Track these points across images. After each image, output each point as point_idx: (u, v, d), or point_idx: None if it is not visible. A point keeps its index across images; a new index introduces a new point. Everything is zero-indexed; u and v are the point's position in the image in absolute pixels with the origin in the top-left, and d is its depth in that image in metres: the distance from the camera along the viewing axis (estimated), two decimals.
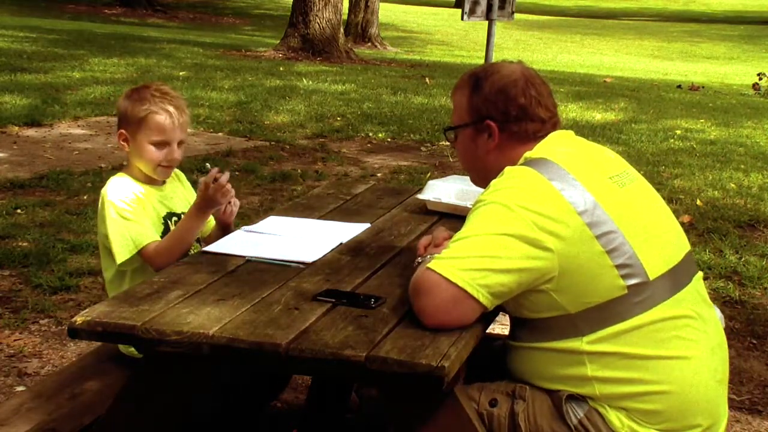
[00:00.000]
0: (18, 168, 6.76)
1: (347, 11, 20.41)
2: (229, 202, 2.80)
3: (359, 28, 21.32)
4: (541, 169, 2.17)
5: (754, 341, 4.29)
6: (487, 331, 2.25)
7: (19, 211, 5.64)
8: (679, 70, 20.29)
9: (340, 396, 3.16)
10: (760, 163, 8.27)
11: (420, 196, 3.15)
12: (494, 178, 2.22)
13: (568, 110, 10.80)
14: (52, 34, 16.20)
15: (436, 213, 3.08)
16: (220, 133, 8.48)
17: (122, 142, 2.82)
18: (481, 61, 12.46)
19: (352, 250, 2.64)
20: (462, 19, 10.79)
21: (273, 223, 2.89)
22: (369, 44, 20.88)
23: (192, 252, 2.73)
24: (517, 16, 13.57)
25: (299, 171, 7.12)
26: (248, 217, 5.30)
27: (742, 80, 17.75)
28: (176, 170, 2.93)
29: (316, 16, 15.43)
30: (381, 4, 23.18)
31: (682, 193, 6.82)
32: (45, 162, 7.00)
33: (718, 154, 8.62)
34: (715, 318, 2.32)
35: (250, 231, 2.78)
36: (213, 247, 2.60)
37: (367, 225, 2.91)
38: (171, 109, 2.78)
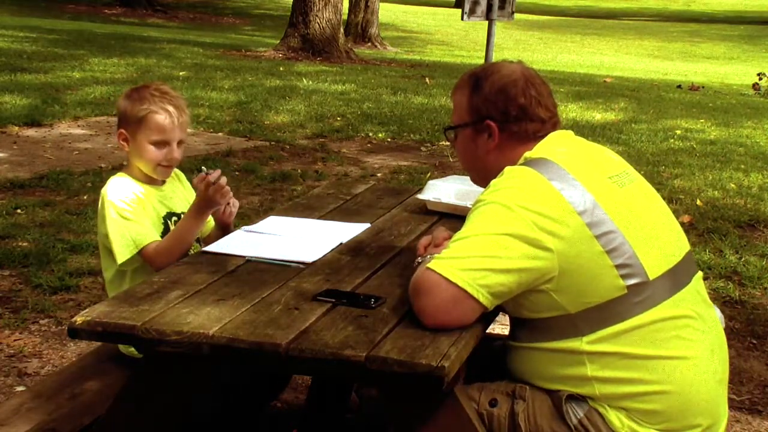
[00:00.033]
0: (18, 168, 6.76)
1: (347, 11, 20.41)
2: (228, 203, 2.80)
3: (359, 28, 21.32)
4: (541, 169, 2.17)
5: (754, 341, 4.29)
6: (487, 331, 2.25)
7: (19, 211, 5.64)
8: (679, 70, 20.29)
9: (340, 396, 3.16)
10: (760, 163, 8.27)
11: (420, 196, 3.15)
12: (494, 177, 2.22)
13: (568, 110, 10.80)
14: (52, 34, 16.20)
15: (436, 213, 3.08)
16: (220, 133, 8.48)
17: (122, 142, 2.82)
18: (481, 61, 12.46)
19: (352, 250, 2.64)
20: (462, 19, 10.80)
21: (273, 223, 2.89)
22: (369, 44, 20.88)
23: (192, 252, 2.73)
24: (517, 16, 13.58)
25: (299, 171, 7.12)
26: (248, 217, 5.30)
27: (742, 80, 17.75)
28: (176, 170, 2.93)
29: (316, 16, 15.43)
30: (381, 4, 23.19)
31: (682, 193, 6.82)
32: (45, 162, 7.00)
33: (718, 154, 8.63)
34: (715, 318, 2.32)
35: (250, 231, 2.78)
36: (213, 247, 2.60)
37: (367, 225, 2.91)
38: (171, 108, 2.78)
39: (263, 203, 6.11)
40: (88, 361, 2.82)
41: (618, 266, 2.10)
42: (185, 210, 2.79)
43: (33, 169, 6.71)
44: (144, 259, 2.68)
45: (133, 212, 2.70)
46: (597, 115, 10.73)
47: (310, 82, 11.67)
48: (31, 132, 8.05)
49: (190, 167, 6.17)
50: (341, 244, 2.67)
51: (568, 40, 27.13)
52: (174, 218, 2.83)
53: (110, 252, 2.69)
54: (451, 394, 2.04)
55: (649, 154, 8.40)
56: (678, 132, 9.79)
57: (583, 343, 2.12)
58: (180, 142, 2.82)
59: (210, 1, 31.61)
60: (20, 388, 3.42)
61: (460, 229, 2.15)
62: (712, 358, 2.23)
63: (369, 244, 2.70)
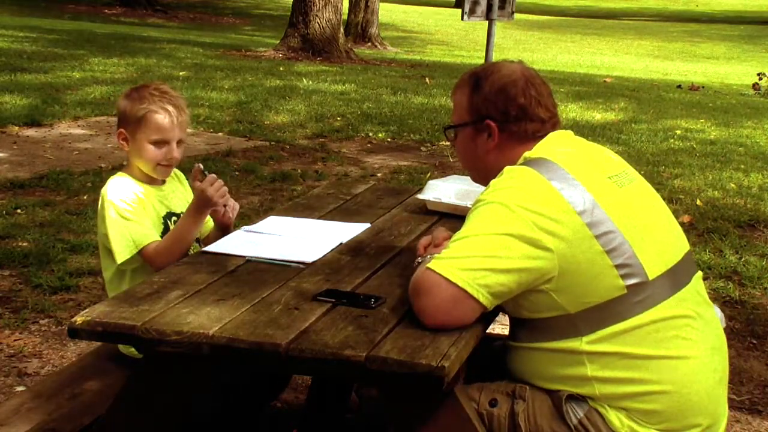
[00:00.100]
0: (18, 168, 6.76)
1: (347, 11, 20.41)
2: (226, 204, 2.80)
3: (359, 28, 21.31)
4: (541, 168, 2.17)
5: (754, 341, 4.29)
6: (487, 331, 2.25)
7: (19, 211, 5.64)
8: (679, 70, 20.29)
9: (340, 396, 3.16)
10: (760, 163, 8.27)
11: (420, 196, 3.15)
12: (494, 177, 2.22)
13: (568, 110, 10.80)
14: (52, 34, 16.20)
15: (436, 213, 3.08)
16: (220, 133, 8.48)
17: (122, 142, 2.82)
18: (481, 61, 12.46)
19: (352, 250, 2.64)
20: (462, 19, 10.79)
21: (273, 223, 2.89)
22: (369, 44, 20.87)
23: (192, 252, 2.73)
24: (517, 16, 13.57)
25: (299, 171, 7.12)
26: (248, 217, 5.30)
27: (742, 80, 17.74)
28: (176, 170, 2.93)
29: (316, 16, 15.42)
30: (381, 4, 23.18)
31: (682, 193, 6.82)
32: (45, 162, 7.00)
33: (718, 154, 8.62)
34: (715, 318, 2.32)
35: (250, 231, 2.78)
36: (213, 247, 2.60)
37: (367, 225, 2.91)
38: (170, 108, 2.78)
39: (263, 203, 6.11)
40: (88, 361, 2.82)
41: (618, 266, 2.10)
42: (185, 210, 2.79)
43: (33, 169, 6.71)
44: (144, 259, 2.68)
45: (133, 212, 2.70)
46: (597, 115, 10.73)
47: (310, 82, 11.67)
48: (31, 132, 8.05)
49: (190, 167, 6.15)
50: (341, 244, 2.67)
51: (568, 40, 27.14)
52: (174, 218, 2.83)
53: (110, 252, 2.69)
54: (451, 394, 2.04)
55: (649, 154, 8.40)
56: (678, 132, 9.79)
57: (582, 343, 2.12)
58: (180, 142, 2.82)
59: (210, 1, 31.61)
60: (20, 388, 3.42)
61: (460, 229, 2.15)
62: (712, 358, 2.23)
63: (369, 244, 2.70)
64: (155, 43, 15.85)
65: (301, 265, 2.45)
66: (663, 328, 2.13)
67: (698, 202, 6.55)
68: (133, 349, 2.57)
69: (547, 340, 2.16)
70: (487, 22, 11.12)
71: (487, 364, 2.34)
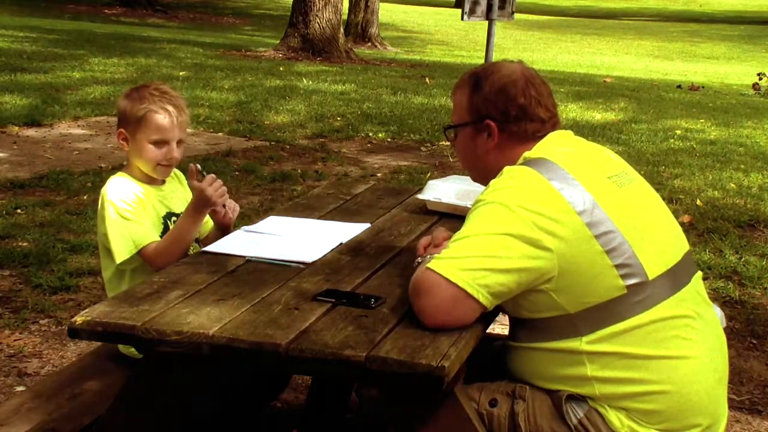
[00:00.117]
0: (18, 168, 6.76)
1: (347, 11, 20.41)
2: (224, 205, 2.80)
3: (359, 28, 21.31)
4: (541, 168, 2.17)
5: (754, 341, 4.29)
6: (487, 331, 2.25)
7: (19, 211, 5.65)
8: (679, 70, 20.29)
9: (340, 396, 3.16)
10: (760, 163, 8.27)
11: (420, 196, 3.15)
12: (494, 177, 2.22)
13: (568, 110, 10.80)
14: (52, 34, 16.20)
15: (436, 213, 3.08)
16: (220, 133, 8.48)
17: (122, 142, 2.82)
18: (481, 61, 12.46)
19: (352, 250, 2.64)
20: (462, 19, 10.78)
21: (273, 223, 2.89)
22: (369, 44, 20.87)
23: (192, 252, 2.73)
24: (517, 16, 13.57)
25: (299, 171, 7.12)
26: (248, 217, 5.30)
27: (742, 80, 17.74)
28: (175, 170, 2.93)
29: (316, 16, 15.42)
30: (381, 4, 23.18)
31: (682, 193, 6.82)
32: (45, 162, 7.00)
33: (718, 154, 8.62)
34: (715, 318, 2.32)
35: (250, 231, 2.78)
36: (213, 247, 2.60)
37: (367, 225, 2.91)
38: (170, 108, 2.78)
39: (263, 203, 6.11)
40: (88, 361, 2.82)
41: (617, 266, 2.10)
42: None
43: (33, 169, 6.71)
44: (144, 259, 2.68)
45: (133, 212, 2.70)
46: (597, 115, 10.73)
47: (310, 82, 11.67)
48: (31, 132, 8.05)
49: None
50: (341, 244, 2.67)
51: (568, 40, 27.13)
52: (174, 218, 2.83)
53: (109, 252, 2.69)
54: (451, 394, 2.04)
55: (649, 154, 8.40)
56: (678, 132, 9.79)
57: (582, 343, 2.12)
58: (180, 142, 2.82)
59: (210, 1, 31.61)
60: (20, 388, 3.42)
61: (460, 229, 2.15)
62: (712, 358, 2.23)
63: (369, 244, 2.70)
64: (155, 43, 15.85)
65: (301, 265, 2.45)
66: (663, 328, 2.13)
67: (698, 202, 6.55)
68: (133, 349, 2.57)
69: (546, 340, 2.16)
70: (487, 22, 11.12)
71: (487, 364, 2.34)
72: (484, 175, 2.34)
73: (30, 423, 2.42)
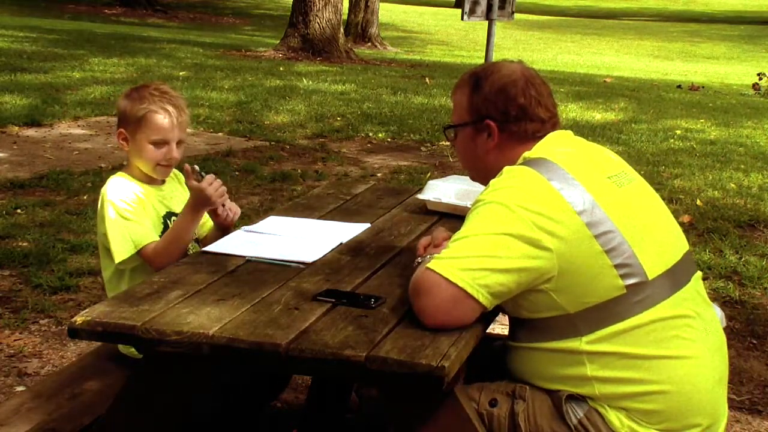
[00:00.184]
0: (18, 168, 6.76)
1: (347, 11, 20.41)
2: (223, 205, 2.80)
3: (359, 28, 21.31)
4: (540, 168, 2.17)
5: (754, 341, 4.29)
6: (487, 331, 2.25)
7: (19, 211, 5.65)
8: (679, 70, 20.29)
9: (340, 396, 3.16)
10: (760, 163, 8.27)
11: (420, 196, 3.15)
12: (494, 177, 2.22)
13: (568, 110, 10.80)
14: (52, 34, 16.20)
15: (436, 213, 3.08)
16: (220, 133, 8.48)
17: (122, 142, 2.82)
18: (481, 61, 12.45)
19: (352, 250, 2.64)
20: (462, 19, 10.79)
21: (273, 223, 2.89)
22: (369, 44, 20.87)
23: (191, 252, 2.73)
24: (517, 16, 13.57)
25: (299, 171, 7.12)
26: (248, 217, 5.29)
27: (742, 80, 17.74)
28: (175, 170, 2.93)
29: (316, 16, 15.42)
30: (381, 4, 23.18)
31: (682, 193, 6.82)
32: (45, 162, 7.00)
33: (718, 154, 8.62)
34: (714, 318, 2.32)
35: (250, 231, 2.78)
36: (213, 247, 2.60)
37: (367, 225, 2.91)
38: (170, 108, 2.78)
39: (263, 203, 6.11)
40: (88, 361, 2.82)
41: (617, 266, 2.10)
42: None
43: (33, 169, 6.71)
44: (143, 259, 2.68)
45: (132, 212, 2.70)
46: (597, 115, 10.73)
47: (310, 82, 11.67)
48: (31, 132, 8.05)
49: None
50: (341, 244, 2.67)
51: (568, 40, 27.13)
52: (173, 218, 2.83)
53: (109, 251, 2.69)
54: (451, 394, 2.04)
55: (649, 154, 8.40)
56: (678, 132, 9.79)
57: (582, 343, 2.12)
58: (179, 142, 2.82)
59: (210, 1, 31.61)
60: (20, 388, 3.42)
61: (459, 229, 2.15)
62: (712, 358, 2.23)
63: (369, 244, 2.70)
64: (155, 43, 15.85)
65: (301, 265, 2.45)
66: (662, 327, 2.13)
67: (698, 202, 6.55)
68: (133, 349, 2.57)
69: (546, 340, 2.16)
70: (487, 22, 11.12)
71: (487, 364, 2.34)
72: (483, 175, 2.34)
73: (30, 423, 2.42)
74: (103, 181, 2.84)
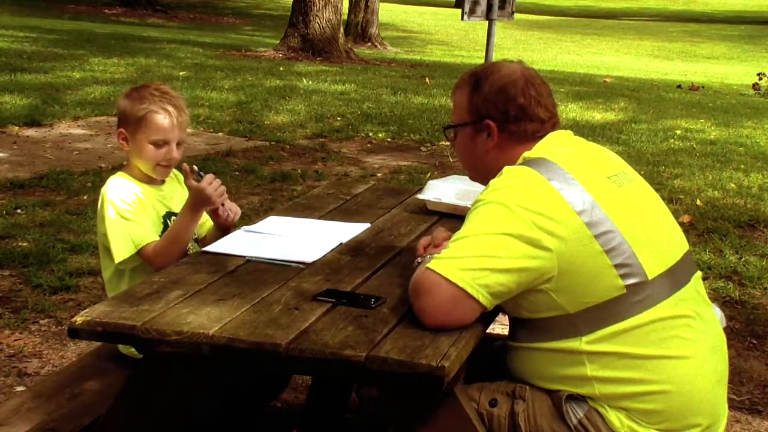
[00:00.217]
0: (18, 168, 6.76)
1: (347, 11, 20.41)
2: (223, 204, 2.80)
3: (359, 28, 21.31)
4: (540, 168, 2.17)
5: (754, 341, 4.29)
6: (487, 331, 2.25)
7: (19, 211, 5.65)
8: (679, 70, 20.29)
9: (340, 396, 3.16)
10: (760, 163, 8.27)
11: (420, 196, 3.15)
12: (493, 177, 2.22)
13: (568, 110, 10.80)
14: (52, 34, 16.20)
15: (436, 213, 3.08)
16: (220, 133, 8.48)
17: (122, 142, 2.82)
18: (481, 61, 12.45)
19: (352, 250, 2.64)
20: (462, 19, 10.79)
21: (273, 223, 2.89)
22: (369, 44, 20.87)
23: (191, 252, 2.73)
24: (517, 16, 13.57)
25: (299, 171, 7.12)
26: (248, 217, 5.29)
27: (742, 80, 17.74)
28: (175, 170, 2.93)
29: (316, 16, 15.42)
30: (381, 4, 23.18)
31: (682, 193, 6.82)
32: (45, 162, 7.00)
33: (718, 154, 8.62)
34: (714, 318, 2.32)
35: (250, 231, 2.78)
36: (213, 247, 2.60)
37: (367, 225, 2.91)
38: (170, 108, 2.78)
39: (263, 203, 6.11)
40: (88, 361, 2.82)
41: (617, 266, 2.10)
42: None
43: (33, 169, 6.71)
44: (143, 259, 2.68)
45: (132, 212, 2.70)
46: (597, 115, 10.73)
47: (310, 82, 11.67)
48: (31, 132, 8.05)
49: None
50: (341, 244, 2.67)
51: (568, 40, 27.13)
52: (173, 218, 2.83)
53: (109, 251, 2.69)
54: (451, 394, 2.04)
55: (649, 154, 8.40)
56: (678, 132, 9.79)
57: (582, 343, 2.12)
58: (179, 142, 2.82)
59: (210, 1, 31.61)
60: (20, 388, 3.42)
61: (459, 229, 2.15)
62: (712, 358, 2.23)
63: (369, 244, 2.70)
64: (155, 43, 15.85)
65: (301, 265, 2.45)
66: (662, 327, 2.13)
67: (698, 202, 6.55)
68: (133, 349, 2.57)
69: (546, 340, 2.16)
70: (487, 22, 11.12)
71: (487, 364, 2.34)
72: (483, 174, 2.34)
73: (30, 423, 2.42)
74: (103, 181, 2.85)
